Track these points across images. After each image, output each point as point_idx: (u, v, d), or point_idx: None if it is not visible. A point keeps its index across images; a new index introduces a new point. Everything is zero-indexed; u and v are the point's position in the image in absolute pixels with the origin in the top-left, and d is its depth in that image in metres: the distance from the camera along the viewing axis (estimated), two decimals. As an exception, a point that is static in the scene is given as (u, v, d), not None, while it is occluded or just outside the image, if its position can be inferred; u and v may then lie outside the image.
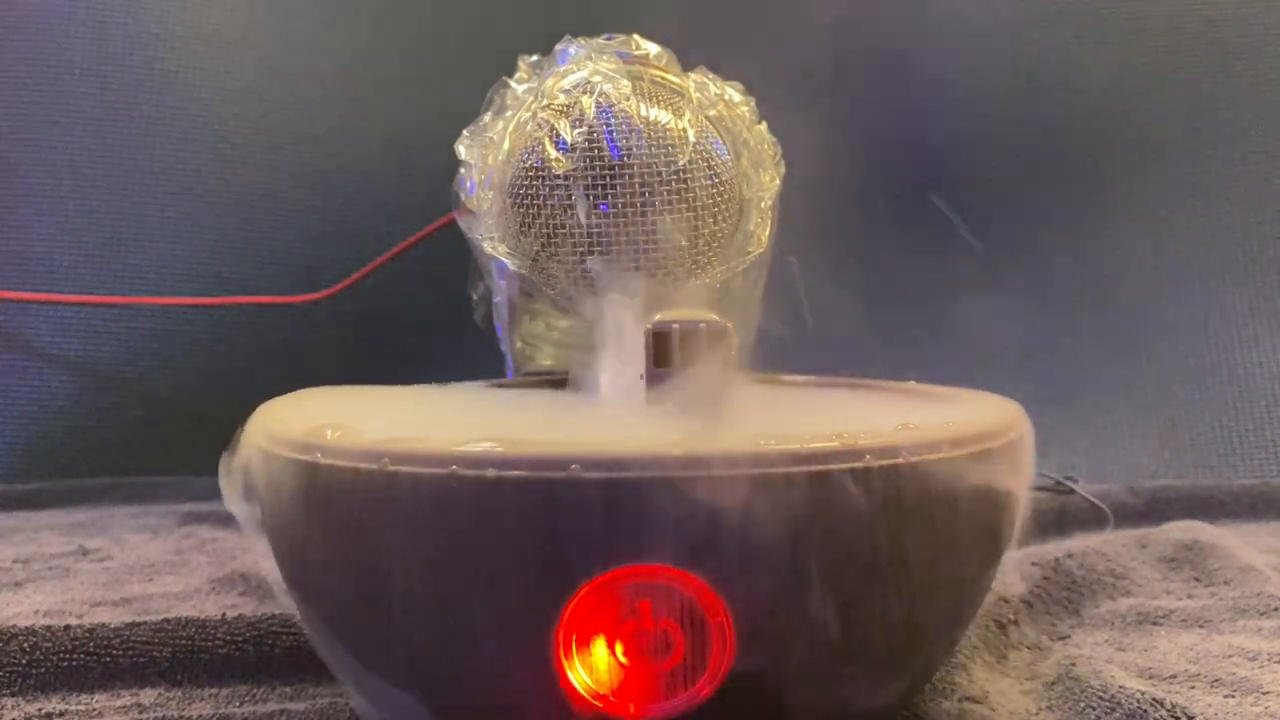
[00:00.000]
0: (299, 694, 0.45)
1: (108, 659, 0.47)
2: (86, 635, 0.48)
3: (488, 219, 0.52)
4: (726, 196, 0.51)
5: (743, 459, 0.32)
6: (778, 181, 0.54)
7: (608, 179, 0.49)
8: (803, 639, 0.33)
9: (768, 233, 0.53)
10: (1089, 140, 0.96)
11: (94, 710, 0.44)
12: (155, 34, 0.92)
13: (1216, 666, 0.46)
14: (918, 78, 0.97)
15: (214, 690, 0.46)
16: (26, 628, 0.48)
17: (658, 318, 0.41)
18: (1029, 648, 0.50)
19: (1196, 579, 0.58)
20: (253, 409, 0.42)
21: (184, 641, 0.48)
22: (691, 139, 0.50)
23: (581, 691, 0.33)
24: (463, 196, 0.54)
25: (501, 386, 0.56)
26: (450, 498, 0.32)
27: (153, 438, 0.90)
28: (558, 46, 0.54)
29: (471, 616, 0.33)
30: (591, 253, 0.50)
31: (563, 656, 0.32)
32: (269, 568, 0.42)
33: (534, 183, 0.51)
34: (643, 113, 0.50)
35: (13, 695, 0.45)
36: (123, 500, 0.82)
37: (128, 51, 0.91)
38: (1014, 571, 0.55)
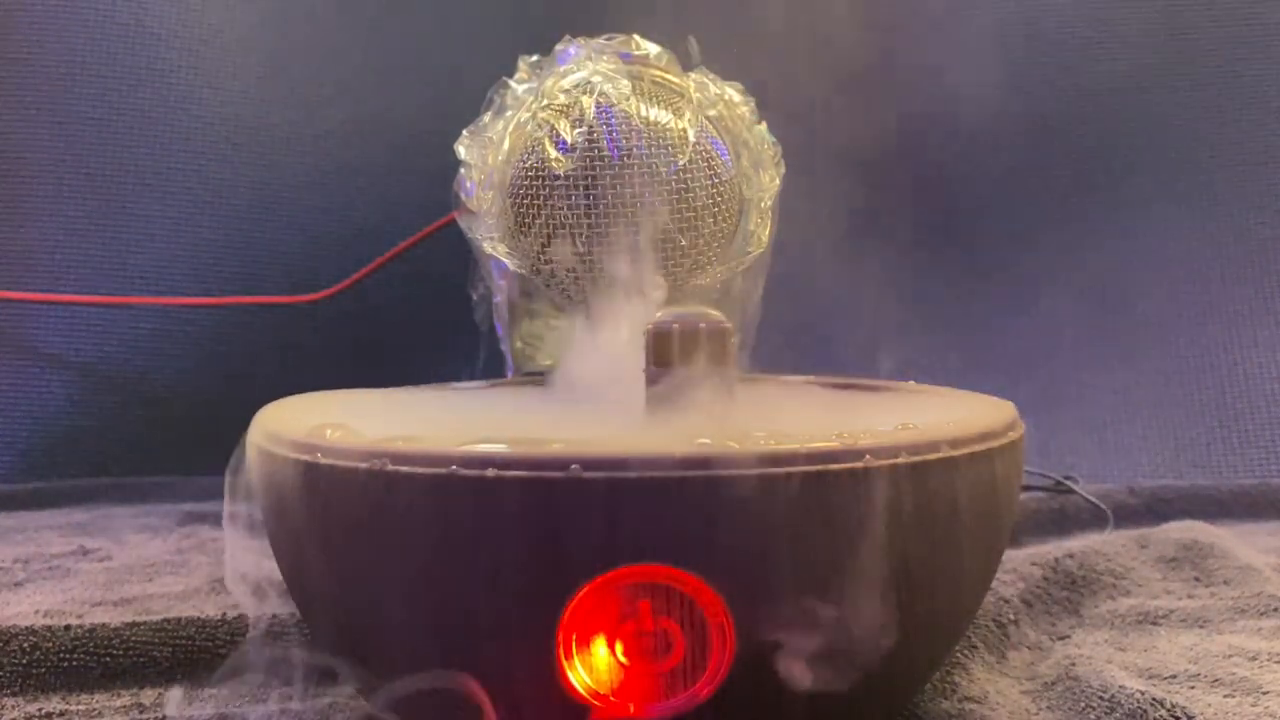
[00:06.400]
0: (299, 694, 0.45)
1: (108, 659, 0.47)
2: (86, 635, 0.48)
3: (488, 219, 0.52)
4: (726, 196, 0.51)
5: (743, 459, 0.31)
6: (778, 181, 0.54)
7: (608, 179, 0.49)
8: (802, 639, 0.33)
9: (768, 233, 0.53)
10: (1089, 141, 0.96)
11: (94, 710, 0.44)
12: (155, 34, 0.92)
13: (1216, 666, 0.46)
14: (917, 77, 0.97)
15: (214, 690, 0.46)
16: (26, 628, 0.48)
17: (658, 316, 0.41)
18: (1029, 648, 0.50)
19: (1196, 579, 0.58)
20: (253, 409, 0.42)
21: (184, 641, 0.48)
22: (691, 139, 0.50)
23: (581, 691, 0.33)
24: (463, 196, 0.54)
25: (501, 386, 0.56)
26: (450, 498, 0.32)
27: (153, 438, 0.90)
28: (558, 46, 0.54)
29: (471, 617, 0.33)
30: (591, 253, 0.50)
31: (563, 656, 0.32)
32: (269, 568, 0.42)
33: (534, 183, 0.51)
34: (643, 113, 0.50)
35: (13, 695, 0.45)
36: (123, 500, 0.82)
37: (128, 51, 0.91)
38: (1014, 571, 0.55)
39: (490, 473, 0.32)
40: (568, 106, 0.51)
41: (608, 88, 0.51)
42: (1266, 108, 0.94)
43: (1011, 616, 0.51)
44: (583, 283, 0.50)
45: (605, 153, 0.49)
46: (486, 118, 0.54)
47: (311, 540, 0.36)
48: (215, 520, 0.73)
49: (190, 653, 0.48)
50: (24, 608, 0.55)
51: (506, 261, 0.52)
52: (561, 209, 0.50)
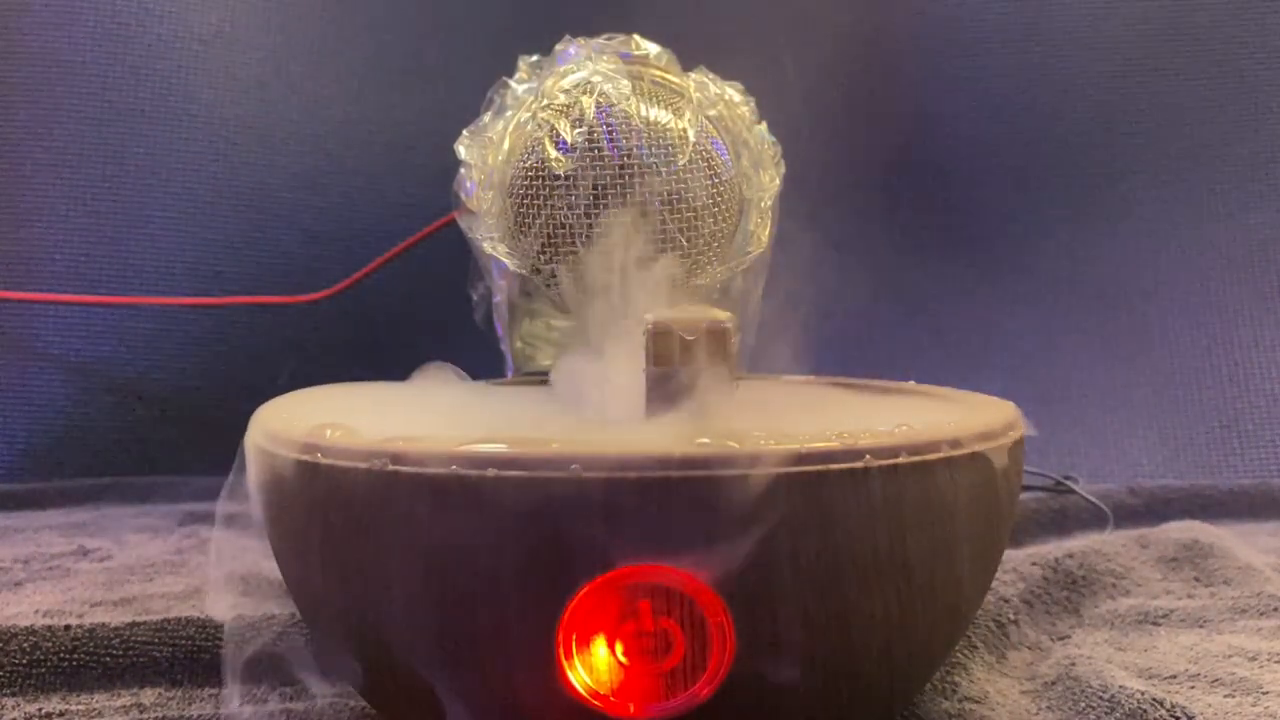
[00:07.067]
0: (299, 694, 0.45)
1: (108, 659, 0.47)
2: (86, 635, 0.48)
3: (488, 219, 0.52)
4: (726, 196, 0.51)
5: (743, 459, 0.32)
6: (778, 181, 0.54)
7: (607, 179, 0.49)
8: (802, 639, 0.33)
9: (768, 233, 0.53)
10: (1089, 141, 0.96)
11: (94, 710, 0.44)
12: (156, 34, 0.92)
13: (1216, 666, 0.46)
14: (918, 77, 0.97)
15: (214, 690, 0.46)
16: (26, 628, 0.48)
17: (658, 316, 0.41)
18: (1029, 648, 0.50)
19: (1196, 579, 0.58)
20: (253, 409, 0.42)
21: (184, 641, 0.48)
22: (691, 139, 0.50)
23: (581, 691, 0.33)
24: (463, 196, 0.54)
25: (501, 386, 0.56)
26: (450, 498, 0.32)
27: (153, 438, 0.90)
28: (558, 46, 0.54)
29: (472, 617, 0.33)
30: (591, 253, 0.50)
31: (563, 656, 0.32)
32: (269, 568, 0.42)
33: (534, 183, 0.51)
34: (643, 113, 0.50)
35: (13, 695, 0.45)
36: (123, 500, 0.82)
37: (128, 51, 0.91)
38: (1014, 571, 0.55)
39: (490, 473, 0.32)
40: (568, 106, 0.51)
41: (608, 88, 0.51)
42: (1266, 107, 0.94)
43: (1011, 616, 0.51)
44: (583, 283, 0.50)
45: (605, 153, 0.49)
46: (486, 118, 0.54)
47: (311, 540, 0.36)
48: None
49: (190, 653, 0.48)
50: (24, 608, 0.55)
51: (506, 261, 0.52)
52: (561, 209, 0.50)
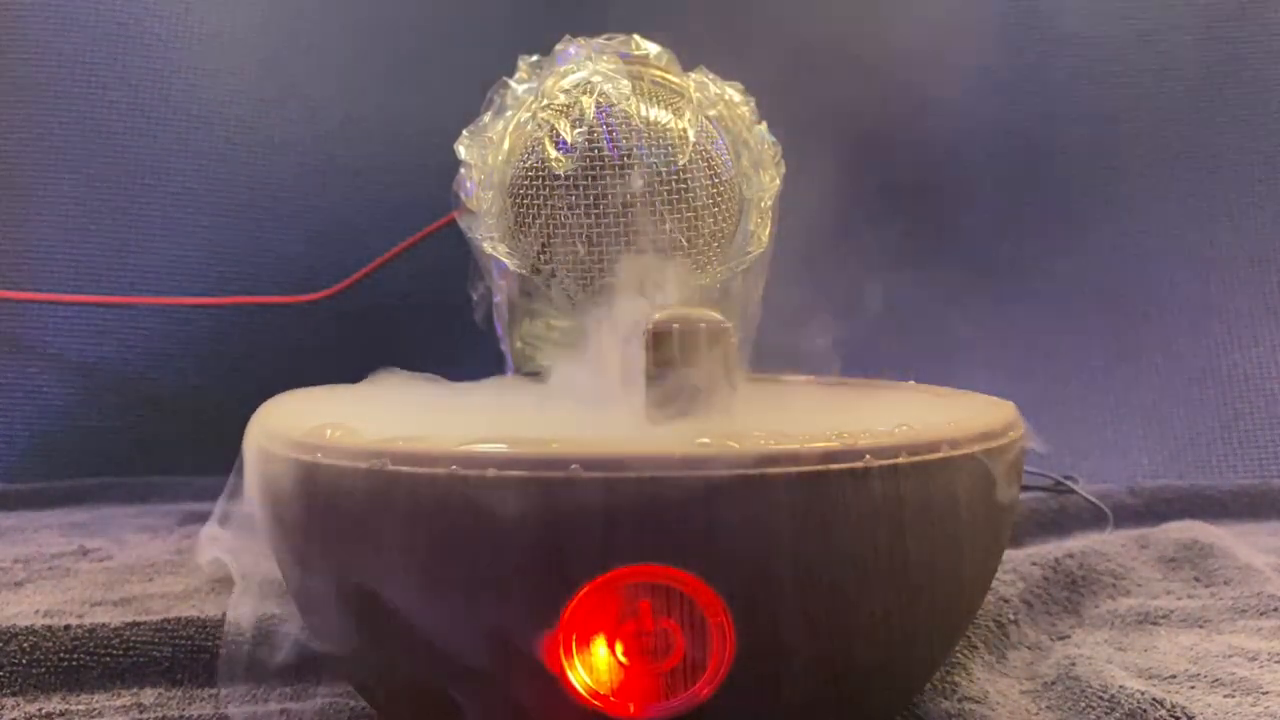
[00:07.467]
0: (299, 694, 0.45)
1: (108, 659, 0.47)
2: (86, 635, 0.48)
3: (488, 219, 0.52)
4: (726, 196, 0.51)
5: (743, 459, 0.31)
6: (778, 181, 0.54)
7: (608, 179, 0.49)
8: (802, 639, 0.33)
9: (768, 233, 0.53)
10: (1089, 141, 0.96)
11: (94, 710, 0.44)
12: (155, 34, 0.92)
13: (1216, 666, 0.46)
14: (919, 77, 0.97)
15: (214, 690, 0.46)
16: (26, 628, 0.48)
17: (658, 317, 0.41)
18: (1029, 648, 0.50)
19: (1196, 579, 0.58)
20: (253, 409, 0.42)
21: (184, 641, 0.48)
22: (691, 139, 0.50)
23: (581, 691, 0.33)
24: (463, 196, 0.54)
25: (501, 386, 0.56)
26: (450, 498, 0.32)
27: (153, 438, 0.90)
28: (558, 46, 0.54)
29: (471, 617, 0.33)
30: (591, 253, 0.50)
31: (563, 656, 0.32)
32: (269, 568, 0.42)
33: (534, 183, 0.51)
34: (643, 113, 0.50)
35: (13, 695, 0.45)
36: (123, 500, 0.82)
37: (128, 51, 0.91)
38: (1014, 571, 0.55)
39: (490, 473, 0.32)
40: (568, 106, 0.51)
41: (608, 88, 0.51)
42: (1267, 107, 0.94)
43: (1011, 616, 0.51)
44: (583, 283, 0.51)
45: (605, 153, 0.49)
46: (486, 118, 0.54)
47: (311, 540, 0.36)
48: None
49: (190, 653, 0.48)
50: (24, 608, 0.55)
51: (506, 261, 0.52)
52: (561, 209, 0.50)
